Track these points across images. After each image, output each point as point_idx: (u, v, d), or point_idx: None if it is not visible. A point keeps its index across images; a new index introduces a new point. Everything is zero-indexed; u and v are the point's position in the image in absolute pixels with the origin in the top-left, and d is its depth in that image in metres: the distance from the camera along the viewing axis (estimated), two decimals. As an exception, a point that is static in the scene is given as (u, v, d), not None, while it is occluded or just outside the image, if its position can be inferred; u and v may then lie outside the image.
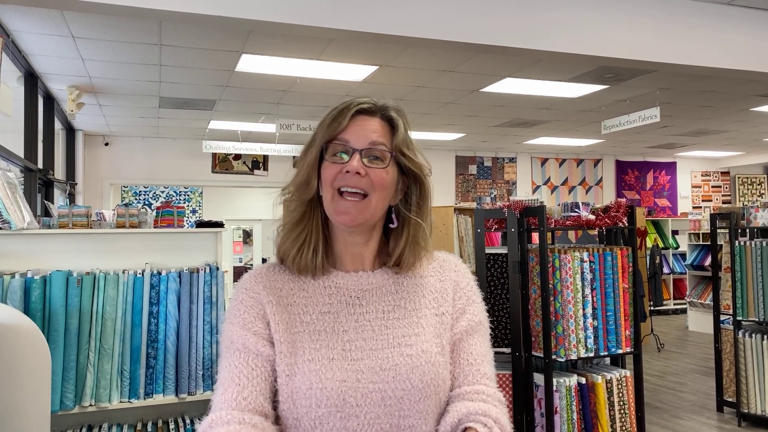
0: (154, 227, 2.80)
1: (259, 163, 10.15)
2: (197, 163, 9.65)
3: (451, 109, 7.48)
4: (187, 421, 2.63)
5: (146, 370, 2.55)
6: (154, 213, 2.87)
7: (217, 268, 2.73)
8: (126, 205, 2.79)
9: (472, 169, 11.31)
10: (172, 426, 2.59)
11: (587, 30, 4.18)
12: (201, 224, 2.87)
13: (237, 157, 9.97)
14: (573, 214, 3.28)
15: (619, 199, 3.24)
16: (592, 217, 3.28)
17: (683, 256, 10.31)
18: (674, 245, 10.81)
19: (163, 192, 10.07)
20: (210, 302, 2.65)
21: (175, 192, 10.19)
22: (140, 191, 9.88)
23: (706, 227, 8.64)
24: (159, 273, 2.61)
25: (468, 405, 0.97)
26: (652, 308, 8.81)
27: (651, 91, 6.55)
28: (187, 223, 3.32)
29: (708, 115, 7.98)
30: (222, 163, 9.96)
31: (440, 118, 8.02)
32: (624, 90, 6.50)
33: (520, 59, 5.23)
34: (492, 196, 11.16)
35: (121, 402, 2.48)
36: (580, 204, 3.36)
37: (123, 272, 2.55)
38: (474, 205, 5.94)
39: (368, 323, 1.00)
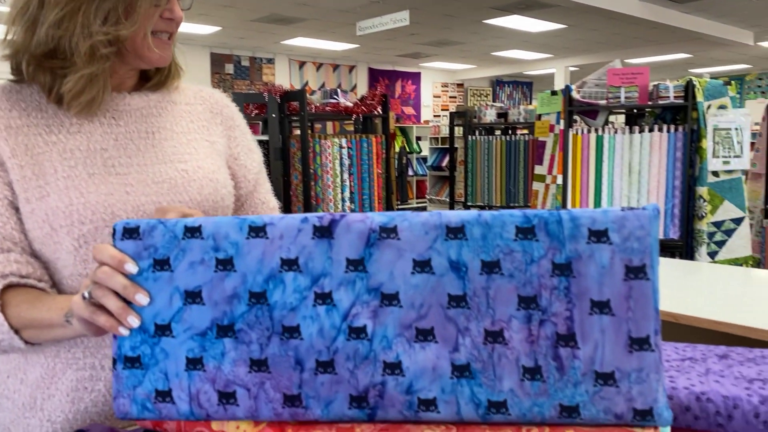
0: None
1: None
2: None
3: (204, -4, 6.92)
4: None
5: None
6: None
7: None
8: None
9: (229, 68, 10.79)
10: None
11: None
12: None
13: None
14: (332, 100, 3.33)
15: (372, 89, 3.37)
16: (350, 104, 3.37)
17: (425, 159, 11.39)
18: (418, 150, 11.85)
19: None
20: None
21: None
22: None
23: (445, 132, 9.58)
24: None
25: None
26: (399, 205, 9.68)
27: (402, -6, 6.85)
28: None
29: (450, 24, 8.66)
30: None
31: (193, 5, 7.37)
32: (378, -9, 6.69)
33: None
34: (250, 97, 10.86)
35: None
36: (339, 91, 3.42)
37: None
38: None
39: (131, 142, 0.91)
